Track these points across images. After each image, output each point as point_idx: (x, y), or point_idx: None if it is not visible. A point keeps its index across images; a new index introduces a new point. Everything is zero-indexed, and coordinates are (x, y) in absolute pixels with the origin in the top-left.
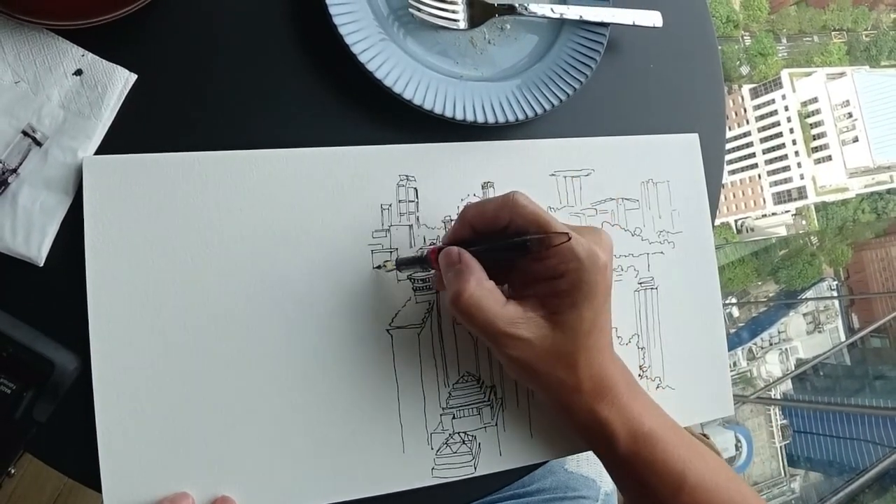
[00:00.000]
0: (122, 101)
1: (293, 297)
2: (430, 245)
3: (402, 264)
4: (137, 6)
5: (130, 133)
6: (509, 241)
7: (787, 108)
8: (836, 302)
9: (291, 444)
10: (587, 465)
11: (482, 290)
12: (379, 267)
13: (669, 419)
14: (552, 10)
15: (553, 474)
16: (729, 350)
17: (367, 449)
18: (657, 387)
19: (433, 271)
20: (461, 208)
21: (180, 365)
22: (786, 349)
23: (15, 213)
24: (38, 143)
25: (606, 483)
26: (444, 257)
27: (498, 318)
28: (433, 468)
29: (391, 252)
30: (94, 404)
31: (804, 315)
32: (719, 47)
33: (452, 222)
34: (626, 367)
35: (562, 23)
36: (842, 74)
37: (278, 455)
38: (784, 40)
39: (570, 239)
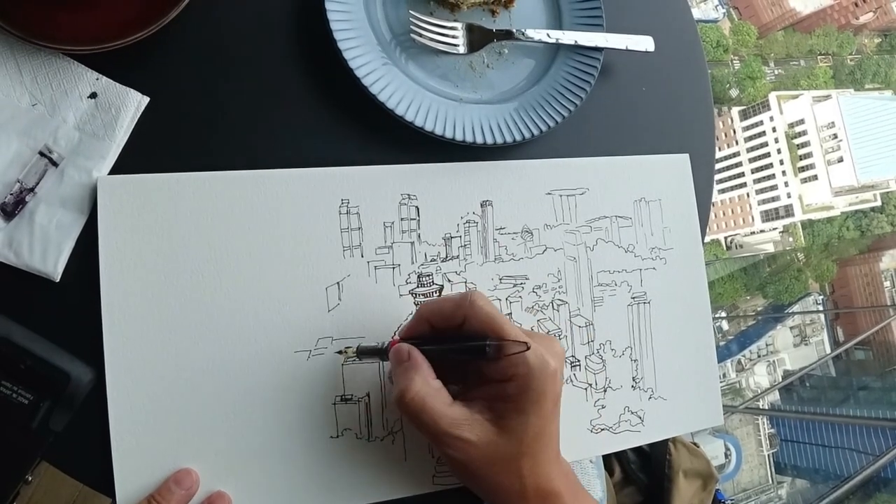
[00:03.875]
0: (134, 122)
1: (300, 311)
2: (391, 338)
3: (363, 353)
4: (149, 32)
5: (143, 153)
6: (466, 345)
7: (774, 130)
8: (822, 316)
9: (297, 451)
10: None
11: (427, 388)
12: (340, 352)
13: None
14: (548, 35)
15: None
16: (718, 362)
17: (370, 456)
18: (649, 397)
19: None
20: (420, 304)
21: (191, 376)
22: (773, 361)
23: (32, 231)
24: (55, 164)
25: (596, 491)
26: (394, 354)
27: (442, 417)
28: (434, 476)
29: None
30: (108, 414)
31: (791, 328)
32: (709, 71)
33: (416, 307)
34: (570, 473)
35: (557, 47)
36: (827, 97)
37: (284, 461)
38: (772, 64)
39: (528, 348)
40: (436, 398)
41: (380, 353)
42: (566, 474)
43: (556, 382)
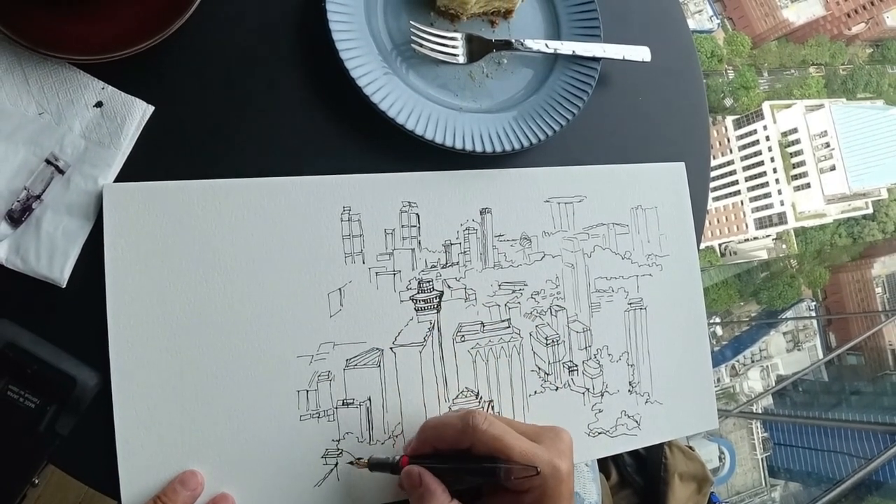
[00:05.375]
0: (139, 131)
1: (302, 316)
2: (402, 454)
3: (374, 466)
4: (154, 42)
5: (148, 161)
6: (476, 467)
7: (768, 139)
8: (815, 322)
9: (299, 455)
10: None
11: None
12: (352, 463)
13: None
14: (546, 45)
15: None
16: (713, 367)
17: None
18: (646, 402)
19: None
20: (424, 422)
21: (194, 380)
22: (767, 366)
23: (39, 238)
24: (61, 171)
25: (591, 495)
26: (406, 479)
27: None
28: None
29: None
30: (114, 418)
31: (784, 334)
32: (704, 81)
33: (416, 434)
34: None
35: (556, 57)
36: (820, 106)
37: (286, 464)
38: (765, 74)
39: (538, 473)
40: None
41: (391, 467)
42: None
43: (570, 481)
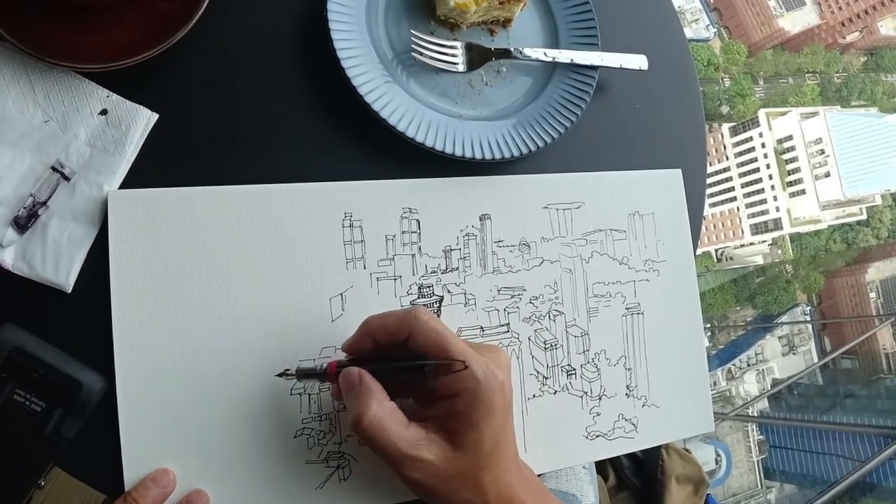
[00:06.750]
0: (144, 138)
1: (304, 321)
2: (330, 360)
3: (302, 375)
4: (158, 51)
5: (152, 168)
6: (407, 364)
7: (763, 146)
8: (810, 326)
9: (301, 458)
10: (566, 482)
11: (384, 411)
12: (280, 375)
13: None
14: (545, 53)
15: None
16: (709, 371)
17: (372, 461)
18: (643, 405)
19: (330, 385)
20: (365, 318)
21: (198, 384)
22: (762, 370)
23: (45, 243)
24: (66, 178)
25: (588, 497)
26: (344, 379)
27: (400, 439)
28: None
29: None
30: (119, 421)
31: (779, 338)
32: (701, 89)
33: (355, 332)
34: (532, 478)
35: (554, 66)
36: (815, 114)
37: (289, 468)
38: (761, 82)
39: (466, 367)
40: (392, 420)
41: (319, 375)
42: (528, 482)
43: (505, 393)
